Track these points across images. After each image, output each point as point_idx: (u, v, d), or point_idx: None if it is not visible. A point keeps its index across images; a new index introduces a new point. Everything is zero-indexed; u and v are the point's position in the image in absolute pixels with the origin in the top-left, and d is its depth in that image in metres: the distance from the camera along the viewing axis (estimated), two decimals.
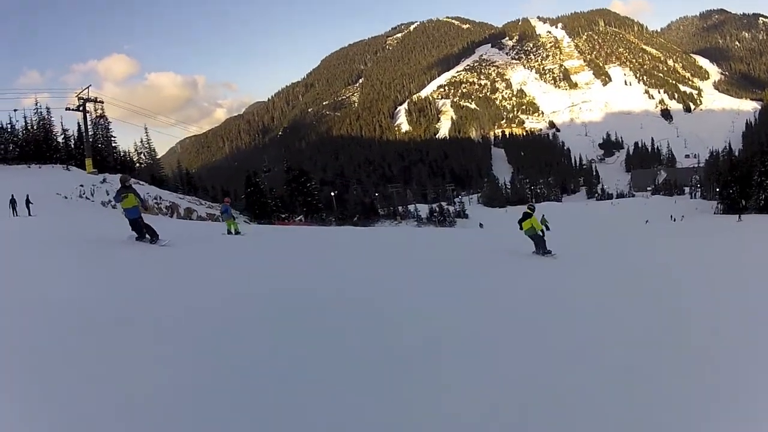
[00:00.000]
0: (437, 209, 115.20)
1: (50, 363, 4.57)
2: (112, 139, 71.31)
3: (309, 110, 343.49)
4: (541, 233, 15.15)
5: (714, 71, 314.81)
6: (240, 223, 44.60)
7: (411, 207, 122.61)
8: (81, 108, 57.67)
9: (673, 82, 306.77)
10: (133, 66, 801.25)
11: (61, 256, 10.82)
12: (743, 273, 12.67)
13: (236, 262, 12.77)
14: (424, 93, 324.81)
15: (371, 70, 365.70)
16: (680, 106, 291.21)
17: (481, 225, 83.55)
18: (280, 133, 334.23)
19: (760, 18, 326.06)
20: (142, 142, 78.12)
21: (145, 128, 79.01)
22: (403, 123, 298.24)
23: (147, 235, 13.15)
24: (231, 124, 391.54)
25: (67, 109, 58.59)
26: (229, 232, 20.33)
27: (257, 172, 72.33)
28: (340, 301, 8.20)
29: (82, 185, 47.71)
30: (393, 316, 7.35)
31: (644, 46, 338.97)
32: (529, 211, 15.31)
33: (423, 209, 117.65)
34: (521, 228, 15.33)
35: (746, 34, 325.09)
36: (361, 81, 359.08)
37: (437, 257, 15.98)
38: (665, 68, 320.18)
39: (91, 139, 63.13)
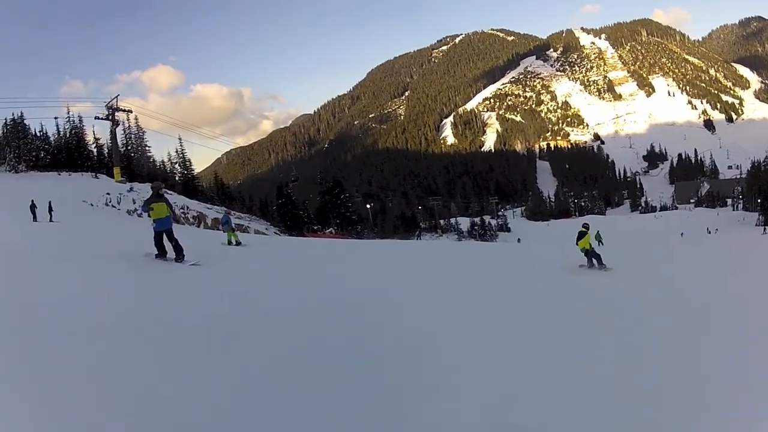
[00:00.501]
0: (479, 222, 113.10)
1: (46, 367, 4.59)
2: (147, 148, 72.29)
3: (355, 123, 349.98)
4: (591, 248, 16.24)
5: (754, 80, 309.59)
6: (271, 234, 50.90)
7: (453, 220, 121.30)
8: (109, 117, 58.64)
9: (716, 92, 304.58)
10: (178, 77, 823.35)
11: (70, 264, 10.41)
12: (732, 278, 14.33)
13: (244, 273, 12.82)
14: (469, 105, 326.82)
15: (417, 82, 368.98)
16: (722, 117, 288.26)
17: (518, 240, 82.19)
18: (326, 145, 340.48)
19: None
20: (177, 152, 74.09)
21: (179, 138, 75.98)
22: (448, 136, 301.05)
23: (174, 253, 11.86)
24: (277, 136, 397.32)
25: (96, 117, 59.58)
26: (230, 243, 20.14)
27: (287, 182, 71.47)
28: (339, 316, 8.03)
29: (108, 193, 48.71)
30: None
31: (686, 56, 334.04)
32: (584, 230, 16.35)
33: (464, 222, 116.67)
34: (578, 245, 16.28)
35: None
36: (407, 94, 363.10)
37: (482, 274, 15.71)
38: (707, 78, 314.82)
39: (123, 149, 65.11)
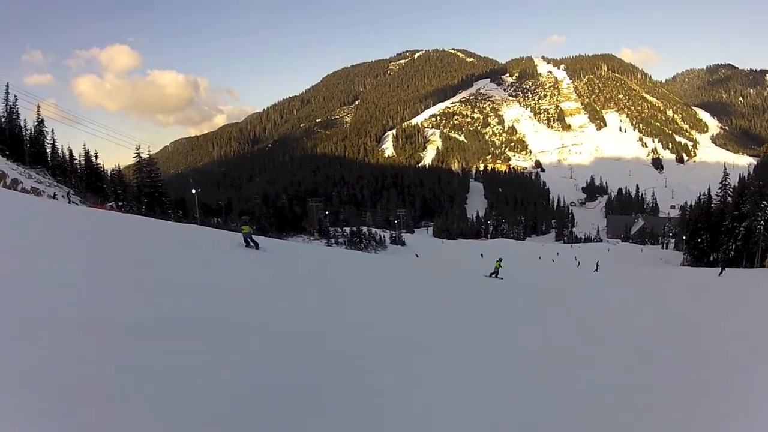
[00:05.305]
0: (356, 231, 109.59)
1: None
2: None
3: (301, 125, 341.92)
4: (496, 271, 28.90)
5: (714, 125, 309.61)
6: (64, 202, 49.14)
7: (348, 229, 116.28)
8: None
9: (670, 132, 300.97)
10: (135, 59, 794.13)
11: None
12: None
13: None
14: (415, 120, 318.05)
15: (369, 92, 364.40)
16: (673, 157, 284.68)
17: (416, 255, 76.34)
18: (269, 144, 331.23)
19: (767, 75, 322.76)
20: (40, 123, 70.07)
21: (38, 108, 72.20)
22: (388, 148, 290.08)
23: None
24: (224, 130, 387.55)
25: None
26: None
27: (98, 154, 72.77)
28: None
29: None
30: None
31: (645, 95, 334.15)
32: (498, 259, 30.16)
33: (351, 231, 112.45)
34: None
35: (751, 90, 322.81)
36: (357, 103, 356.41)
37: None
38: (663, 118, 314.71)
39: None
